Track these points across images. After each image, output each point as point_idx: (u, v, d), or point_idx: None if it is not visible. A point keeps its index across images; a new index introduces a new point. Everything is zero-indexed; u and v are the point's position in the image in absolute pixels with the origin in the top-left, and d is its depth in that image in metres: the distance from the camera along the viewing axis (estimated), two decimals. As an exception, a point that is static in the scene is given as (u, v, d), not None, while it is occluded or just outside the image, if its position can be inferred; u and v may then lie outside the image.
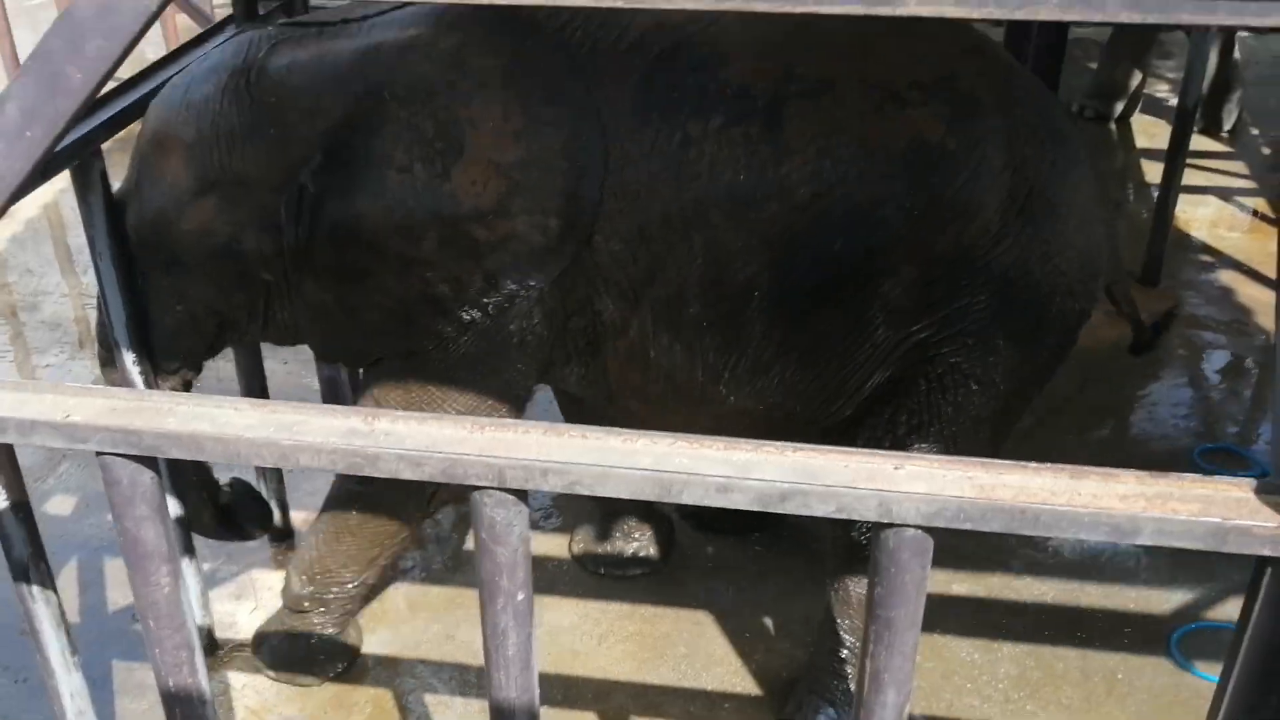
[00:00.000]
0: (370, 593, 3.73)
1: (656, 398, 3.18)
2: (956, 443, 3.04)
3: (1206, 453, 4.64)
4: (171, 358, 3.33)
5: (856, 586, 3.25)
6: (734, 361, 3.05)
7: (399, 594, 3.98)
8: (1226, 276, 5.92)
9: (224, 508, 3.58)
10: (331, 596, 3.53)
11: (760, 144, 2.85)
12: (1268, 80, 8.38)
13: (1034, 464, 1.74)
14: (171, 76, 3.23)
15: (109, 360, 3.37)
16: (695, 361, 3.06)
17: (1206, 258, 6.10)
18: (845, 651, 3.35)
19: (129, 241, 3.17)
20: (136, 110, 3.16)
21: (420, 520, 3.39)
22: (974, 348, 2.99)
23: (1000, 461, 1.75)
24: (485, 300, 2.98)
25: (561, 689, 3.58)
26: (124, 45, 1.56)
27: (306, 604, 3.54)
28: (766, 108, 2.86)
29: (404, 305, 3.03)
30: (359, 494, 3.34)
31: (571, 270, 2.98)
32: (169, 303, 3.24)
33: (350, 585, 3.51)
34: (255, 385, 3.88)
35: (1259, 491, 1.68)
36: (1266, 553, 1.65)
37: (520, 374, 3.14)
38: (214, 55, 3.17)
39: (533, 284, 2.96)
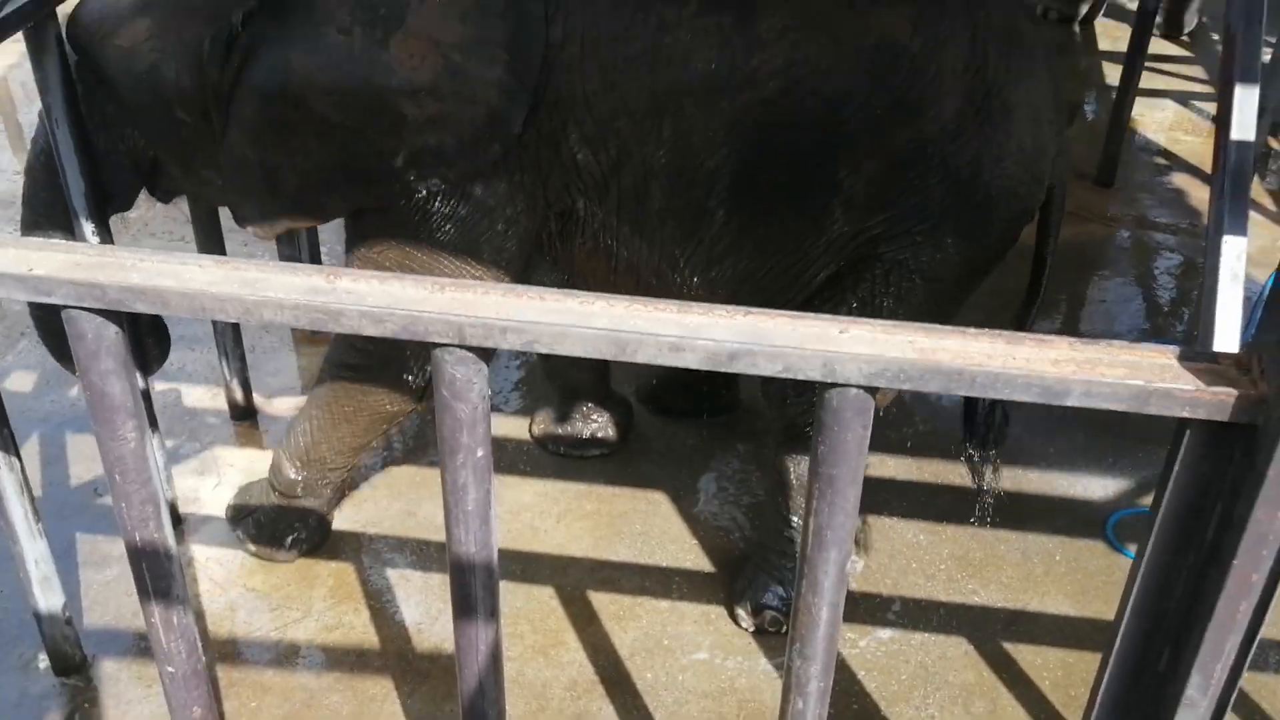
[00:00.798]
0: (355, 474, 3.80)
1: (616, 288, 3.24)
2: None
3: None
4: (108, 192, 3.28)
5: (797, 467, 3.37)
6: (692, 251, 3.10)
7: (362, 472, 4.05)
8: (1180, 180, 6.00)
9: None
10: (325, 482, 3.60)
11: (733, 34, 2.87)
12: (1232, -14, 8.39)
13: (972, 329, 1.82)
14: None
15: (33, 223, 3.31)
16: (655, 251, 3.12)
17: (1162, 160, 6.17)
18: (790, 531, 3.47)
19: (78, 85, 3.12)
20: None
21: (412, 410, 3.43)
22: (921, 245, 3.07)
23: (940, 327, 1.83)
24: (409, 179, 2.97)
25: (520, 563, 3.68)
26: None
27: (300, 490, 3.60)
28: None
29: (322, 172, 3.00)
30: (353, 381, 3.36)
31: (548, 156, 3.00)
32: (95, 120, 3.17)
33: (343, 470, 3.59)
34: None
35: (1181, 358, 1.78)
36: (1185, 414, 1.74)
37: (506, 259, 3.16)
38: None
39: (453, 172, 2.96)
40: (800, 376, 1.78)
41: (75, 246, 1.92)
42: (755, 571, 3.55)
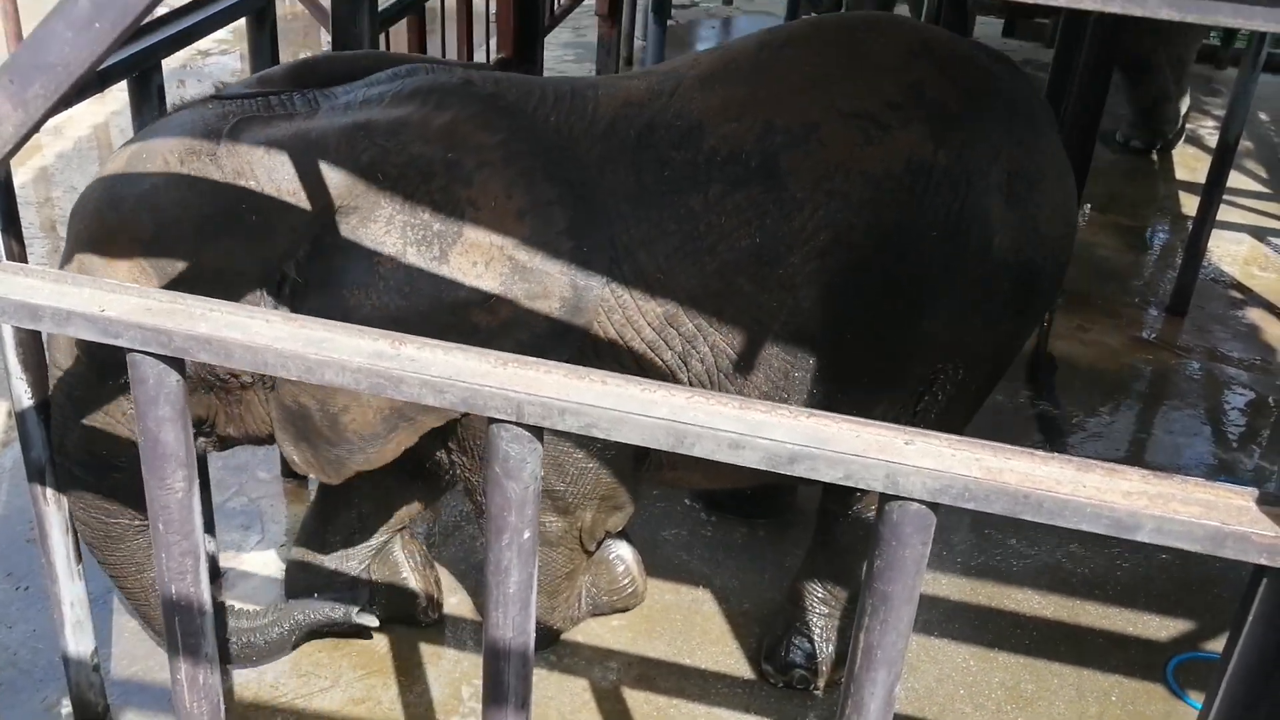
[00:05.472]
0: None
1: (689, 465, 3.20)
2: (949, 408, 3.18)
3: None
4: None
5: (846, 536, 3.47)
6: None
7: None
8: (1254, 314, 5.90)
9: None
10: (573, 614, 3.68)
11: (767, 202, 2.85)
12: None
13: (1041, 452, 1.76)
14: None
15: None
16: None
17: (1236, 294, 6.08)
18: (822, 592, 3.56)
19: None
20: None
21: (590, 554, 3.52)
22: (982, 333, 3.09)
23: (1008, 446, 1.76)
24: None
25: (556, 654, 3.60)
26: (194, -52, 1.58)
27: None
28: (761, 166, 2.85)
29: (395, 409, 2.84)
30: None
31: (610, 363, 2.91)
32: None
33: (577, 604, 3.64)
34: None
35: (1260, 501, 1.69)
36: (1263, 561, 1.65)
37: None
38: (156, 138, 2.80)
39: None
40: (861, 485, 1.72)
41: (149, 292, 1.93)
42: (785, 629, 3.58)
